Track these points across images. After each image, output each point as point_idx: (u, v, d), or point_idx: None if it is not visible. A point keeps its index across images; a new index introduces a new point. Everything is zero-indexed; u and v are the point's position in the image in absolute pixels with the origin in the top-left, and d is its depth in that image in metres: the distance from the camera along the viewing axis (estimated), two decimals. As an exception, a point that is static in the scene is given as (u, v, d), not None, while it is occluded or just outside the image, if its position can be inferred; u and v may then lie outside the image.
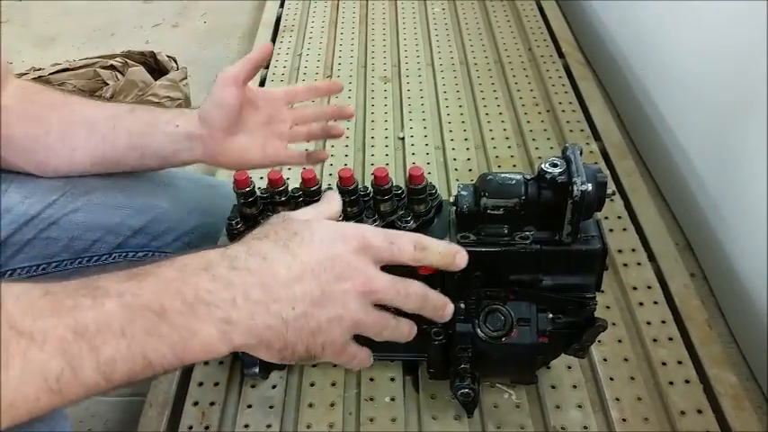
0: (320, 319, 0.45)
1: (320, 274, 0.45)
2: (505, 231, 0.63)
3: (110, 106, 0.73)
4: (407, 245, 0.50)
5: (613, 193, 0.64)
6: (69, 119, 0.70)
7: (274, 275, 0.44)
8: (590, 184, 0.57)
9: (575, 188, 0.57)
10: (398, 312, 0.52)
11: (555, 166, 0.60)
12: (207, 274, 0.43)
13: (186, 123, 0.71)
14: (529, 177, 0.62)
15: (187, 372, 0.84)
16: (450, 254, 0.52)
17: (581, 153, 0.60)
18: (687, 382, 0.79)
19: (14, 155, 0.70)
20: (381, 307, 0.50)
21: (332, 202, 0.58)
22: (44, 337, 0.38)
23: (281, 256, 0.45)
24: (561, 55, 1.45)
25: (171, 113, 0.72)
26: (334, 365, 0.82)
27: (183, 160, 0.73)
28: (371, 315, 0.48)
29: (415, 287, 0.51)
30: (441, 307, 0.53)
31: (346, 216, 0.66)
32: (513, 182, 0.62)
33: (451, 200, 0.66)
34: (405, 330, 0.53)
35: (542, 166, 0.60)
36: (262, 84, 1.41)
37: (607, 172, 1.11)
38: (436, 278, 0.66)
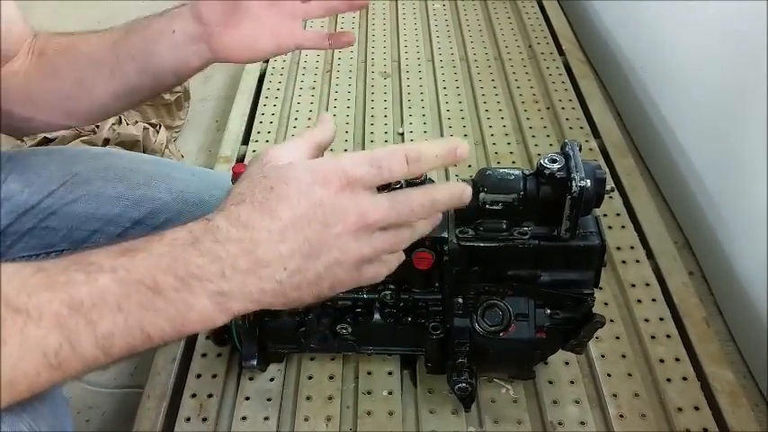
0: (317, 269, 0.44)
1: (304, 228, 0.43)
2: (504, 227, 0.63)
3: (108, 34, 0.68)
4: (397, 162, 0.45)
5: (612, 190, 0.64)
6: (76, 62, 0.68)
7: (257, 242, 0.43)
8: (588, 180, 0.57)
9: (573, 184, 0.57)
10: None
11: (554, 161, 0.60)
12: (194, 249, 0.42)
13: (182, 26, 0.65)
14: (528, 173, 0.62)
15: (185, 364, 0.84)
16: (450, 150, 0.47)
17: (580, 149, 0.60)
18: (684, 379, 0.79)
19: (43, 112, 0.68)
20: None
21: (324, 128, 0.53)
22: (40, 312, 0.38)
23: (260, 219, 0.43)
24: (561, 52, 1.45)
25: (165, 18, 0.66)
26: (332, 359, 0.82)
27: (196, 67, 0.68)
28: (377, 242, 0.46)
29: (416, 195, 0.46)
30: (457, 194, 0.48)
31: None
32: (512, 177, 0.62)
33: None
34: (430, 222, 0.49)
35: (541, 161, 0.60)
36: (261, 79, 1.41)
37: (606, 170, 1.11)
38: (434, 273, 0.67)
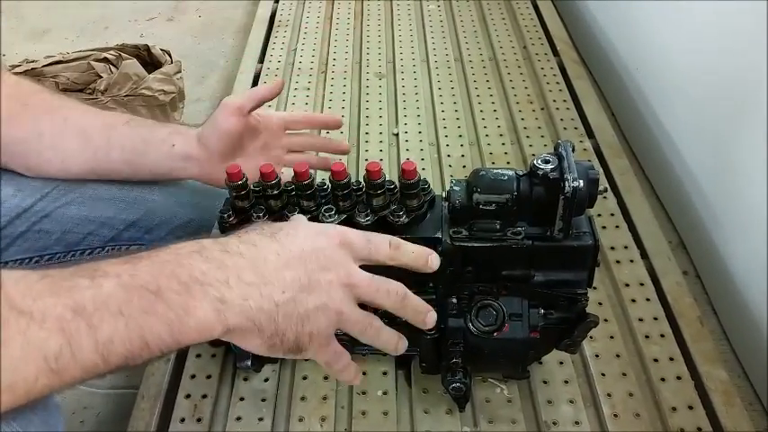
0: (308, 306, 0.46)
1: (306, 263, 0.47)
2: (497, 227, 0.63)
3: (105, 115, 0.72)
4: (383, 243, 0.52)
5: (605, 190, 0.64)
6: (62, 127, 0.69)
7: (265, 260, 0.46)
8: (581, 181, 0.58)
9: (566, 184, 0.57)
10: (391, 324, 0.55)
11: (547, 162, 0.60)
12: (200, 257, 0.44)
13: (183, 144, 0.71)
14: (521, 173, 0.62)
15: (179, 364, 0.84)
16: (422, 255, 0.55)
17: (573, 149, 0.61)
18: (679, 378, 0.80)
19: (5, 157, 0.69)
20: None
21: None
22: (43, 315, 0.38)
23: (269, 244, 0.47)
24: (556, 53, 1.45)
25: (167, 130, 0.72)
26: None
27: (178, 177, 0.74)
28: (355, 311, 0.50)
29: (394, 285, 0.52)
30: (422, 311, 0.55)
31: (338, 210, 0.66)
32: (506, 178, 0.62)
33: (444, 195, 0.66)
34: (388, 338, 0.55)
35: (534, 162, 0.60)
36: (255, 79, 1.41)
37: (601, 170, 1.12)
38: (428, 273, 0.66)
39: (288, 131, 0.80)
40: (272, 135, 0.77)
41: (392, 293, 0.52)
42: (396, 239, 0.54)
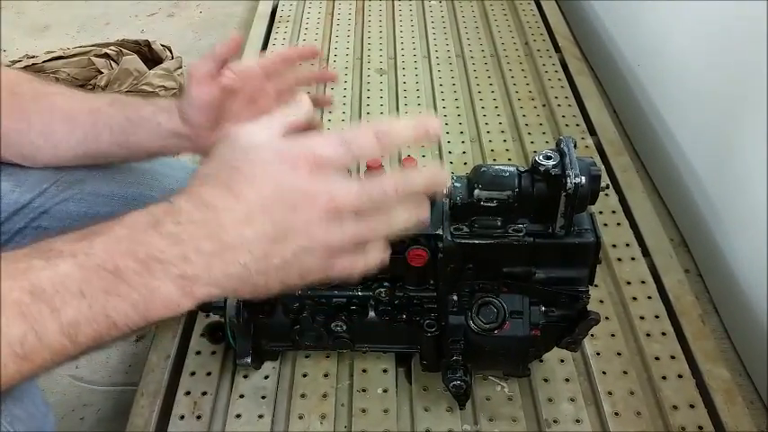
0: (284, 255, 0.42)
1: (271, 211, 0.42)
2: (499, 224, 0.63)
3: (90, 98, 0.70)
4: (366, 139, 0.44)
5: (607, 186, 0.64)
6: (49, 114, 0.68)
7: (221, 224, 0.41)
8: (583, 177, 0.57)
9: (568, 181, 0.57)
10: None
11: (549, 158, 0.60)
12: (155, 232, 0.41)
13: (168, 121, 0.67)
14: (522, 170, 0.62)
15: (179, 361, 0.84)
16: (420, 124, 0.46)
17: (575, 146, 0.60)
18: (680, 376, 0.79)
19: (5, 149, 0.69)
20: None
21: (298, 106, 0.50)
22: (0, 301, 0.37)
23: (224, 200, 0.42)
24: (558, 49, 1.45)
25: (152, 107, 0.68)
26: (327, 356, 0.82)
27: (174, 153, 0.72)
28: (349, 229, 0.43)
29: (389, 177, 0.44)
30: (432, 175, 0.46)
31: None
32: (507, 174, 0.61)
33: (445, 191, 0.65)
34: (402, 214, 0.46)
35: (536, 158, 0.60)
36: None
37: (602, 167, 1.11)
38: (429, 270, 0.66)
39: (270, 77, 0.74)
40: (255, 87, 0.71)
41: (390, 190, 0.44)
42: (381, 127, 0.44)
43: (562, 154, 0.59)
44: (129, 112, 0.68)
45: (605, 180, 0.83)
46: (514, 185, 0.61)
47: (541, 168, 0.59)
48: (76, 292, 0.38)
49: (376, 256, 0.46)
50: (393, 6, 1.62)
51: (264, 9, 1.65)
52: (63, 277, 0.39)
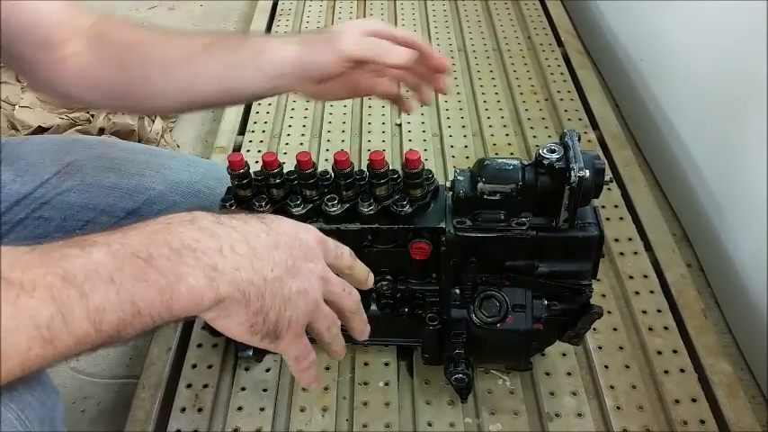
0: (291, 289, 0.47)
1: (292, 248, 0.48)
2: (502, 217, 0.62)
3: (184, 44, 0.68)
4: (346, 252, 0.54)
5: (610, 181, 0.63)
6: (147, 65, 0.67)
7: (257, 236, 0.46)
8: (587, 171, 0.57)
9: (572, 174, 0.57)
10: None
11: (553, 151, 0.59)
12: (192, 226, 0.44)
13: (268, 64, 0.65)
14: (526, 163, 0.62)
15: (180, 354, 0.84)
16: (364, 273, 0.56)
17: (579, 139, 0.60)
18: (682, 371, 0.79)
19: (108, 100, 0.69)
20: None
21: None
22: (33, 285, 0.37)
23: (258, 224, 0.47)
24: (560, 44, 1.44)
25: (251, 50, 0.66)
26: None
27: (277, 93, 0.71)
28: (326, 305, 0.51)
29: (353, 290, 0.54)
30: (364, 322, 0.56)
31: (341, 200, 0.65)
32: (511, 167, 0.61)
33: (448, 185, 0.65)
34: (341, 340, 0.55)
35: (540, 151, 0.60)
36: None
37: (605, 161, 1.11)
38: (431, 264, 0.66)
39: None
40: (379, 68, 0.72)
41: (354, 296, 0.53)
42: (352, 253, 0.55)
43: (566, 147, 0.59)
44: (229, 60, 0.66)
45: (608, 174, 0.82)
46: (518, 179, 0.60)
47: (545, 162, 0.59)
48: (107, 278, 0.39)
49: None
50: (395, 1, 1.62)
51: (265, 3, 1.65)
52: (96, 264, 0.39)
